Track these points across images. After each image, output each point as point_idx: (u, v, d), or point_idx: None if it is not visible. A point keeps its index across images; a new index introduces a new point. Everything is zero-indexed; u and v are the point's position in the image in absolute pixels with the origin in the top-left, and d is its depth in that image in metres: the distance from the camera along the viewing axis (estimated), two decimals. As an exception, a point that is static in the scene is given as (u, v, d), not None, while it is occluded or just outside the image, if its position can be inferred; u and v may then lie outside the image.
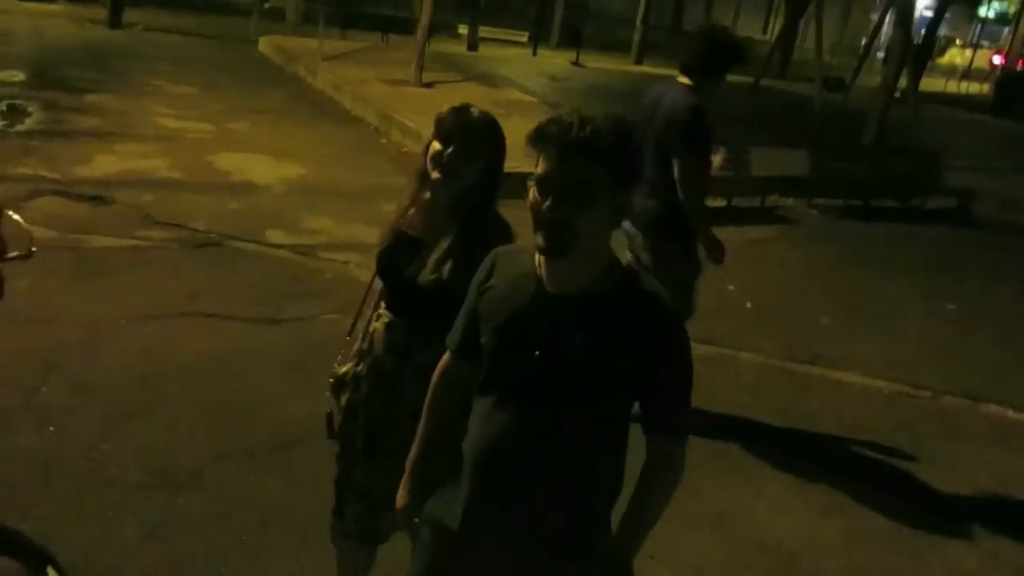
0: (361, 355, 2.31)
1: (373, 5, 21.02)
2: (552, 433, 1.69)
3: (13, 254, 0.81)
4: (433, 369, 2.01)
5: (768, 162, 8.87)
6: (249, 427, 3.65)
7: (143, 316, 4.48)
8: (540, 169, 1.56)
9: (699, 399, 4.43)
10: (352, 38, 17.13)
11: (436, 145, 2.06)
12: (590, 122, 1.52)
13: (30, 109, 8.58)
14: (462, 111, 2.06)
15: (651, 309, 1.65)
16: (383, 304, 2.28)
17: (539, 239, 1.58)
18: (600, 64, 19.17)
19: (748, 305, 6.05)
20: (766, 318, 5.87)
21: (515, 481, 1.73)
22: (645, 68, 20.05)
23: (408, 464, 2.02)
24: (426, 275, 2.08)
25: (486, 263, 1.83)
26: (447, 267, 2.06)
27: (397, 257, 2.16)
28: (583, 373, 1.63)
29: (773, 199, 8.89)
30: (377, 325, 2.26)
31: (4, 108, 8.52)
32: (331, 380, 2.38)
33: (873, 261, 7.56)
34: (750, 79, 15.54)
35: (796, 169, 9.12)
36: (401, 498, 2.02)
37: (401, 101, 10.40)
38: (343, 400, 2.33)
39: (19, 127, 7.95)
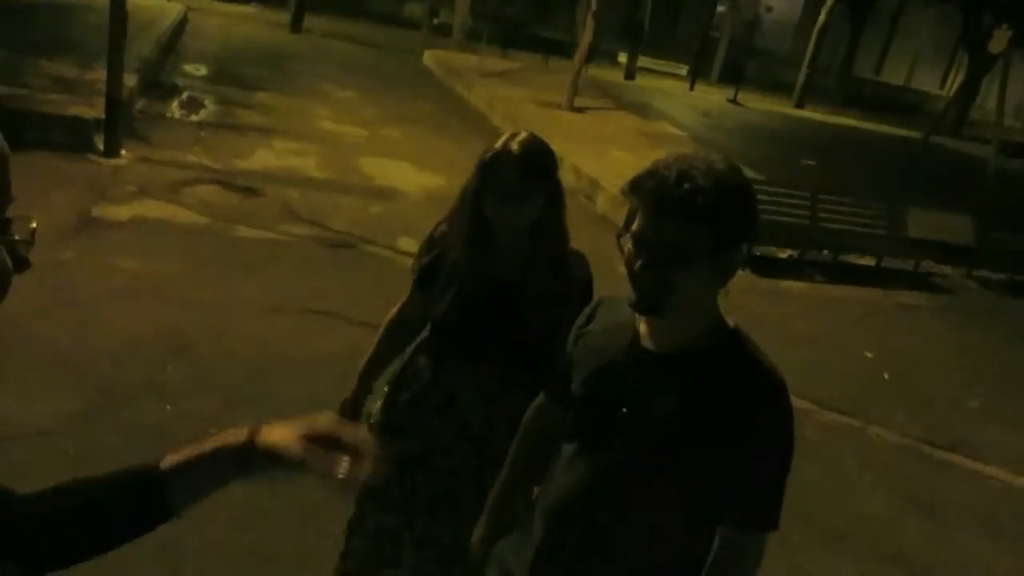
0: (422, 402, 2.21)
1: (537, 27, 21.35)
2: (629, 495, 1.58)
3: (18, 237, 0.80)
4: (522, 413, 1.92)
5: (927, 225, 8.27)
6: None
7: (270, 308, 4.65)
8: (635, 224, 1.46)
9: (815, 471, 4.11)
10: (513, 58, 17.44)
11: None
12: (689, 177, 1.39)
13: (206, 102, 9.19)
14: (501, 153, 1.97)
15: (753, 376, 1.51)
16: (460, 350, 2.16)
17: (632, 296, 1.49)
18: (758, 104, 18.63)
19: (886, 376, 5.64)
20: (905, 392, 5.44)
21: (585, 539, 1.63)
22: (805, 112, 19.35)
23: (490, 501, 1.97)
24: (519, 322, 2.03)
25: (588, 308, 1.76)
26: (534, 312, 2.02)
27: (478, 307, 2.09)
28: (670, 437, 1.51)
29: (928, 265, 8.30)
30: (453, 374, 2.17)
31: (185, 99, 9.17)
32: (371, 421, 2.33)
33: (1037, 345, 6.91)
34: (918, 134, 14.69)
35: (958, 236, 8.47)
36: (478, 533, 1.97)
37: (550, 124, 10.47)
38: (394, 450, 2.22)
39: (194, 117, 8.52)
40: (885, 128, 18.98)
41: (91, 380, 3.63)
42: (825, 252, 7.89)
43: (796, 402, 1.54)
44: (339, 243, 5.88)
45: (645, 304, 1.49)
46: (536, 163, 1.97)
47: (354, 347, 4.42)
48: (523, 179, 1.95)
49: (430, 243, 2.20)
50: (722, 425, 1.48)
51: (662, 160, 1.46)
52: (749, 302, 5.86)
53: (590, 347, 1.67)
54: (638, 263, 1.45)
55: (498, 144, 1.98)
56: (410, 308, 2.28)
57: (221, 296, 4.67)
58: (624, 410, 1.55)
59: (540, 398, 1.91)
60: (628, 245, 1.48)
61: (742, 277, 1.46)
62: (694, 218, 1.40)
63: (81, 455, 3.17)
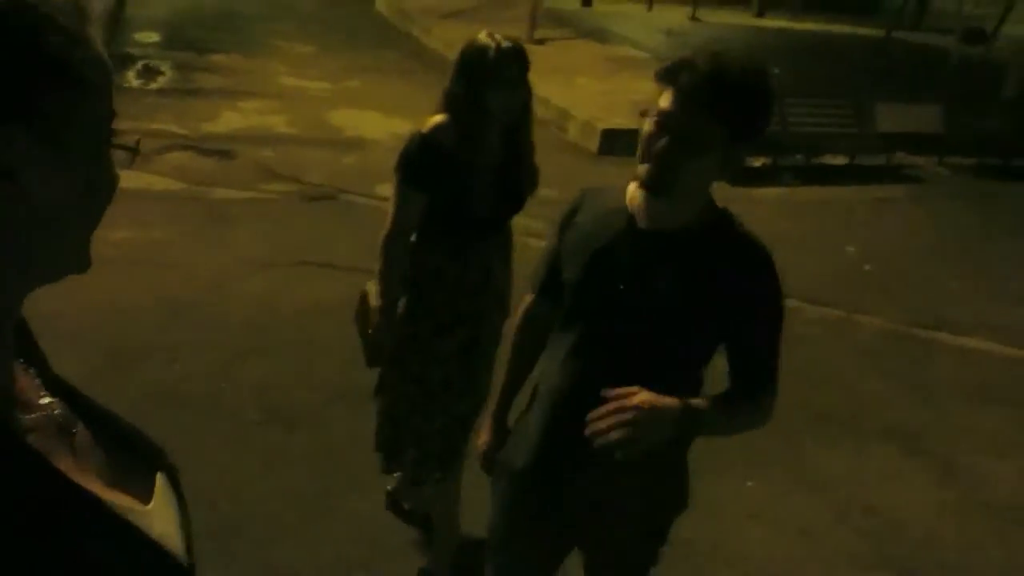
0: (460, 291, 2.40)
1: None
2: (634, 373, 1.63)
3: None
4: None
5: (896, 117, 8.36)
6: (357, 371, 3.76)
7: (261, 264, 4.69)
8: (662, 104, 1.52)
9: (809, 362, 4.27)
10: (467, -4, 17.12)
11: None
12: (722, 75, 1.48)
13: (163, 68, 9.03)
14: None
15: (745, 249, 1.62)
16: (483, 232, 2.42)
17: (643, 173, 1.56)
18: (719, 18, 18.47)
19: (867, 268, 5.79)
20: (887, 281, 5.60)
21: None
22: (766, 22, 19.21)
23: (492, 408, 2.03)
24: None
25: (572, 201, 1.81)
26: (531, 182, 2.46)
27: (496, 192, 2.37)
28: (670, 310, 1.60)
29: (900, 157, 8.41)
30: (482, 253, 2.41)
31: (140, 68, 8.99)
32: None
33: (1009, 224, 7.08)
34: (881, 31, 14.67)
35: (927, 126, 8.58)
36: (482, 443, 2.03)
37: (513, 58, 10.38)
38: (449, 345, 2.42)
39: (153, 85, 8.39)
40: (847, 29, 18.90)
41: (97, 346, 3.68)
42: (798, 156, 7.98)
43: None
44: (319, 196, 5.89)
45: (656, 183, 1.55)
46: (524, 52, 2.26)
47: (349, 293, 4.50)
48: (521, 67, 2.22)
49: (427, 146, 2.28)
50: (721, 294, 1.59)
51: (699, 53, 1.52)
52: (728, 211, 5.95)
53: (582, 235, 1.72)
54: (659, 143, 1.52)
55: (489, 45, 2.20)
56: (412, 214, 2.37)
57: (212, 257, 4.71)
58: (622, 287, 1.63)
59: (527, 299, 1.94)
60: (650, 125, 1.54)
61: (718, 188, 1.55)
62: (719, 111, 1.48)
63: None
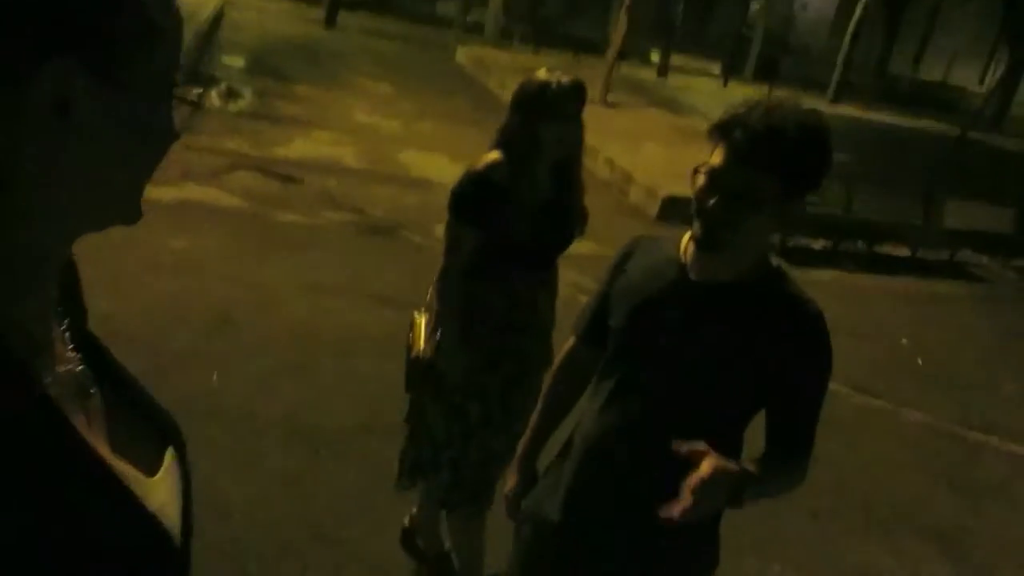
0: (507, 327, 2.41)
1: (569, 25, 21.37)
2: (672, 425, 1.60)
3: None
4: None
5: (964, 214, 8.23)
6: (392, 405, 3.77)
7: (311, 288, 4.77)
8: (714, 161, 1.50)
9: (848, 450, 4.15)
10: (545, 55, 17.48)
11: None
12: (780, 133, 1.43)
13: (244, 92, 9.38)
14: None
15: (795, 306, 1.58)
16: (530, 265, 2.44)
17: (697, 229, 1.54)
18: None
19: (920, 362, 5.63)
20: (938, 378, 5.43)
21: (624, 474, 1.68)
22: (841, 110, 19.14)
23: (520, 449, 2.01)
24: None
25: (625, 247, 1.80)
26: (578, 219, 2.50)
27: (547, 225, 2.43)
28: (715, 363, 1.57)
29: (965, 255, 8.23)
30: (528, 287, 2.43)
31: (224, 89, 9.36)
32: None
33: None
34: (956, 129, 14.48)
35: (997, 226, 8.41)
36: (508, 485, 2.01)
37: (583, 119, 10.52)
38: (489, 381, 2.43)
39: (232, 107, 8.71)
40: (923, 124, 18.74)
41: (140, 347, 3.75)
42: (859, 243, 7.86)
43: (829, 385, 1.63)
44: (377, 230, 6.00)
45: (710, 240, 1.53)
46: (583, 88, 2.31)
47: (392, 328, 4.55)
48: (578, 103, 2.27)
49: (479, 183, 2.31)
50: (766, 350, 1.55)
51: (753, 106, 1.48)
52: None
53: (632, 282, 1.71)
54: (711, 201, 1.49)
55: (549, 79, 2.25)
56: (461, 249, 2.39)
57: (264, 276, 4.81)
58: (670, 338, 1.60)
59: (570, 343, 1.93)
60: (702, 180, 1.52)
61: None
62: (773, 168, 1.45)
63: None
